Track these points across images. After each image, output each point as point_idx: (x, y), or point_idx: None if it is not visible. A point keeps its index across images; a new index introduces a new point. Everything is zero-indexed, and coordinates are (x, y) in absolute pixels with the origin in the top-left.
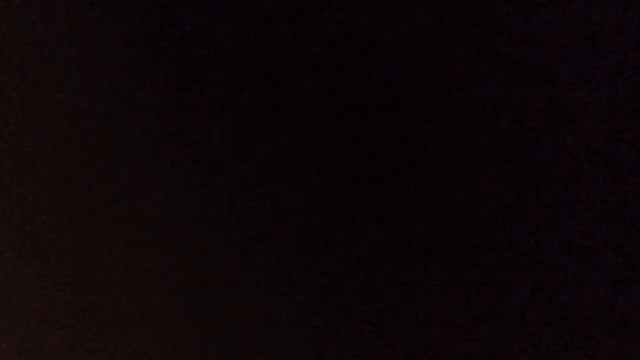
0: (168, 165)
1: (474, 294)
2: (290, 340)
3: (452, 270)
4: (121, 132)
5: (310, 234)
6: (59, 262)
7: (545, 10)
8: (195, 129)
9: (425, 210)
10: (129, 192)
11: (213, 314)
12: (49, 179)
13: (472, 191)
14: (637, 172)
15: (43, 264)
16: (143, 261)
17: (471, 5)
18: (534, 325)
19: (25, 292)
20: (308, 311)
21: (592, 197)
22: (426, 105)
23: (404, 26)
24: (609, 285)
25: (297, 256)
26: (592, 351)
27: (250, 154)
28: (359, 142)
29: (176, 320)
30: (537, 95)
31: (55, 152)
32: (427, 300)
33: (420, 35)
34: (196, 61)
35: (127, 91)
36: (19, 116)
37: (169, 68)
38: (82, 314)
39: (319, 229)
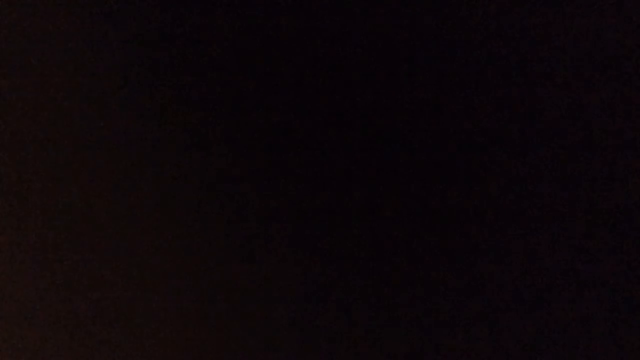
0: (168, 165)
1: (473, 294)
2: (290, 341)
3: (452, 270)
4: (121, 132)
5: (311, 233)
6: (59, 262)
7: (545, 10)
8: (195, 128)
9: (425, 210)
10: (129, 192)
11: (213, 314)
12: (49, 179)
13: (471, 191)
14: (637, 172)
15: (43, 264)
16: (143, 261)
17: (471, 5)
18: (534, 326)
19: (25, 292)
20: (308, 311)
21: (592, 197)
22: (426, 105)
23: (404, 26)
24: (609, 286)
25: (298, 256)
26: (591, 351)
27: (251, 153)
28: (359, 142)
29: (176, 320)
30: (537, 95)
31: (55, 152)
32: (427, 300)
33: (420, 35)
34: (196, 61)
35: (127, 91)
36: (19, 116)
37: (169, 68)
38: (82, 314)
39: (319, 228)
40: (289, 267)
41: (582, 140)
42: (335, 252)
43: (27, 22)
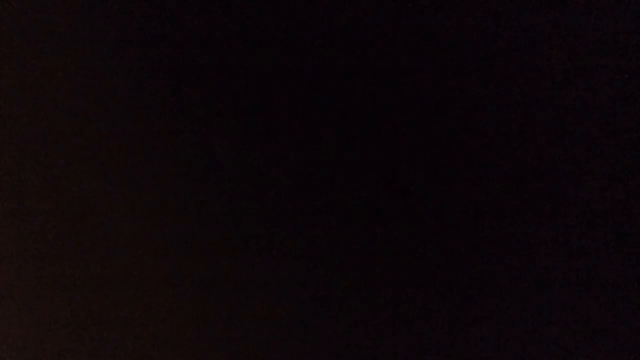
0: (168, 165)
1: (473, 294)
2: (290, 341)
3: (452, 270)
4: (121, 132)
5: (311, 234)
6: (59, 263)
7: (546, 10)
8: (195, 128)
9: (425, 210)
10: (129, 192)
11: (213, 314)
12: (49, 179)
13: (472, 191)
14: (637, 172)
15: (43, 264)
16: (143, 261)
17: (471, 5)
18: (533, 326)
19: (25, 292)
20: (308, 311)
21: (592, 197)
22: (426, 105)
23: (404, 26)
24: (609, 286)
25: (297, 256)
26: (591, 351)
27: (251, 153)
28: (359, 143)
29: (176, 320)
30: (537, 95)
31: (55, 152)
32: (427, 300)
33: (421, 35)
34: (196, 61)
35: (127, 91)
36: (19, 116)
37: (169, 68)
38: (82, 314)
39: (319, 228)
40: (289, 267)
41: (582, 140)
42: (335, 252)
43: (27, 22)
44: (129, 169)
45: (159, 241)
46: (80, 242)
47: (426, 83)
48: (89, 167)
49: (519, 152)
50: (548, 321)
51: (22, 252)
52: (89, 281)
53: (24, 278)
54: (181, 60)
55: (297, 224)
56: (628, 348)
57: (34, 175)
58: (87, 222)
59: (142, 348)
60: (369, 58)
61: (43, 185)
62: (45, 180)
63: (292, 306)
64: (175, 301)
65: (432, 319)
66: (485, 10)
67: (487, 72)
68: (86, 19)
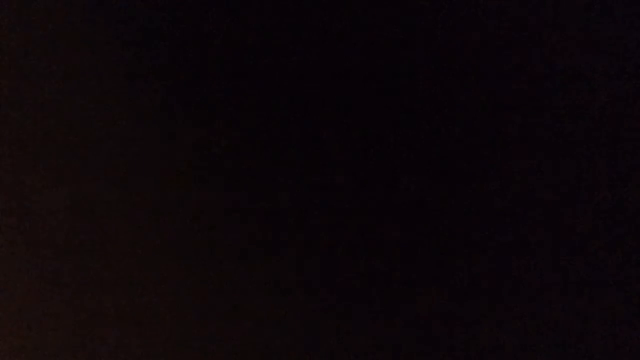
0: (168, 165)
1: (474, 295)
2: (290, 341)
3: (452, 270)
4: (121, 132)
5: (311, 234)
6: (59, 262)
7: (546, 10)
8: (195, 128)
9: (425, 210)
10: (129, 192)
11: (213, 314)
12: (49, 179)
13: (472, 191)
14: (637, 172)
15: (43, 265)
16: (143, 262)
17: (472, 6)
18: (533, 326)
19: (25, 292)
20: (308, 312)
21: (592, 197)
22: (426, 105)
23: (404, 26)
24: (609, 286)
25: (297, 257)
26: (591, 351)
27: (251, 153)
28: (359, 142)
29: (176, 321)
30: (537, 95)
31: (55, 152)
32: (427, 300)
33: (421, 35)
34: (196, 61)
35: (127, 91)
36: (19, 116)
37: (169, 68)
38: (82, 314)
39: (319, 229)
40: (290, 267)
41: (582, 140)
42: (336, 251)
43: (27, 22)
44: (129, 169)
45: (158, 241)
46: (80, 242)
47: (426, 82)
48: (89, 167)
49: (519, 151)
50: (548, 321)
51: (22, 252)
52: (89, 281)
53: (24, 278)
54: (181, 60)
55: (297, 224)
56: (628, 348)
57: (34, 175)
58: (87, 222)
59: (142, 348)
60: (369, 57)
61: (43, 185)
62: (45, 180)
63: (292, 306)
64: (175, 301)
65: (431, 319)
66: (484, 10)
67: (486, 71)
68: (86, 19)
